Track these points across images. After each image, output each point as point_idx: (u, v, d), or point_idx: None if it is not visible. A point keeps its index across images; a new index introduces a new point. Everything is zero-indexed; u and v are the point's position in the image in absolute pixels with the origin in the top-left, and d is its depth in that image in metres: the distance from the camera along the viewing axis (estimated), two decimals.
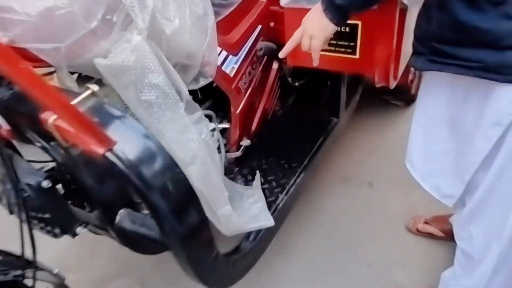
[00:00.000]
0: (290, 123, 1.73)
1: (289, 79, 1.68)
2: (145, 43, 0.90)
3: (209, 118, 1.41)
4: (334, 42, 1.21)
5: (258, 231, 1.20)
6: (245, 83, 1.44)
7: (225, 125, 1.38)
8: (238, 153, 1.46)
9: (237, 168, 1.47)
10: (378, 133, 2.30)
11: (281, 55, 1.11)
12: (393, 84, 1.21)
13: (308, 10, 1.01)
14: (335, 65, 1.25)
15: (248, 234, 1.20)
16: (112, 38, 0.93)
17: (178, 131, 0.97)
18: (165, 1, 1.00)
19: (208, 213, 1.06)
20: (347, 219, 1.81)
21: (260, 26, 1.47)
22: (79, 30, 0.85)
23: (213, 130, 1.37)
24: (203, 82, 1.28)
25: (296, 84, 1.73)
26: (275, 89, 1.69)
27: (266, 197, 1.32)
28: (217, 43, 1.26)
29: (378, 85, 1.22)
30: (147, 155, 0.76)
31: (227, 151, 1.50)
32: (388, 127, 2.33)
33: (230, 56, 1.36)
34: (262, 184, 1.38)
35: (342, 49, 1.20)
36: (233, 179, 1.42)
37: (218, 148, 1.45)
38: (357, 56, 1.19)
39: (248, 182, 1.41)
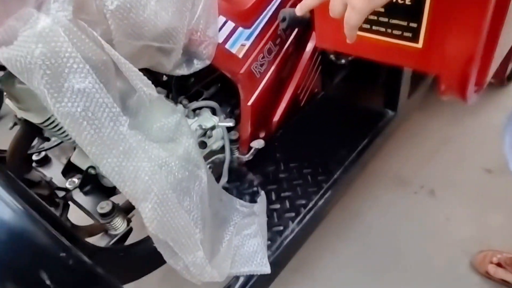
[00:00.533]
0: (329, 114, 1.34)
1: (332, 56, 1.25)
2: (59, 27, 0.58)
3: (212, 110, 1.09)
4: (385, 19, 0.77)
5: (250, 276, 0.90)
6: (261, 65, 1.06)
7: (228, 123, 1.04)
8: (248, 156, 1.13)
9: (246, 174, 1.14)
10: (451, 123, 1.78)
11: (297, 11, 0.69)
12: (472, 98, 0.75)
13: None
14: (382, 55, 0.82)
15: (237, 277, 0.91)
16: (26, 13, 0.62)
17: (120, 156, 0.67)
18: None
19: (169, 260, 0.78)
20: (394, 238, 1.42)
21: None
22: None
23: (213, 128, 1.05)
24: (198, 66, 0.94)
25: (343, 61, 1.30)
26: (312, 68, 1.28)
27: (272, 224, 1.00)
28: (217, 12, 0.90)
29: (444, 97, 0.77)
30: None
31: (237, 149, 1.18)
32: (467, 116, 1.79)
33: (240, 30, 0.99)
34: (271, 203, 1.05)
35: (397, 32, 0.76)
36: (238, 188, 1.11)
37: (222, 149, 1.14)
38: (419, 45, 0.74)
39: (256, 195, 1.09)
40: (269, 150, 1.19)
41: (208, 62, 0.94)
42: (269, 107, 1.19)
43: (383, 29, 0.78)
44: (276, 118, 1.23)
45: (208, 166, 1.12)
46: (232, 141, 1.16)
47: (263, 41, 1.04)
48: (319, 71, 1.34)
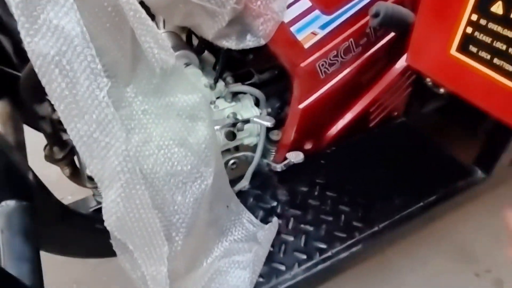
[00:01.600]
0: (401, 147, 1.07)
1: (429, 80, 0.97)
2: None
3: (256, 100, 0.90)
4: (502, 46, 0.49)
5: None
6: (331, 64, 0.83)
7: (266, 122, 0.84)
8: (278, 167, 0.93)
9: (270, 186, 0.95)
10: None
11: None
12: None
13: None
14: (494, 103, 0.54)
15: None
16: None
17: (92, 125, 0.52)
18: None
19: (125, 264, 0.63)
20: None
21: None
22: None
23: (246, 121, 0.86)
24: (250, 43, 0.76)
25: (441, 91, 1.00)
26: (399, 88, 1.01)
27: (273, 258, 0.80)
28: None
29: None
30: None
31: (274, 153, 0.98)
32: None
33: (315, 13, 0.77)
34: (284, 231, 0.85)
35: None
36: (256, 198, 0.92)
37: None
38: None
39: (272, 214, 0.89)
40: (310, 167, 0.98)
41: (263, 42, 0.75)
42: (326, 117, 0.96)
43: (508, 67, 0.51)
44: (332, 132, 1.00)
45: (232, 161, 0.95)
46: (271, 142, 0.97)
47: (342, 37, 0.81)
48: (406, 93, 1.07)
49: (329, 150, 1.03)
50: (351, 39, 0.82)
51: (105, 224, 0.57)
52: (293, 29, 0.76)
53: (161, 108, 0.66)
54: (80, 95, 0.50)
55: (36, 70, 0.49)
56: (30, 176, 0.67)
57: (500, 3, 0.49)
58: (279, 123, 0.95)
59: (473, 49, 0.54)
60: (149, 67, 0.60)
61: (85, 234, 0.77)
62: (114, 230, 0.58)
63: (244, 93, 0.90)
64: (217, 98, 0.89)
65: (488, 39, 0.52)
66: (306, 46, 0.78)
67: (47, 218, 0.70)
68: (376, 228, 0.86)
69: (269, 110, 0.93)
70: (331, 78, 0.86)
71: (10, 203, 0.63)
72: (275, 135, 0.96)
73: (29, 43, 0.47)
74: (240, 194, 0.93)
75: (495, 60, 0.52)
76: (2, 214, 0.62)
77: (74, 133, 0.53)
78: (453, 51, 0.57)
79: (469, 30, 0.54)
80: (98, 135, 0.53)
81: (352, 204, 0.91)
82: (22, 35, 0.47)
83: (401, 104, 1.11)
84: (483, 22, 0.52)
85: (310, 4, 0.75)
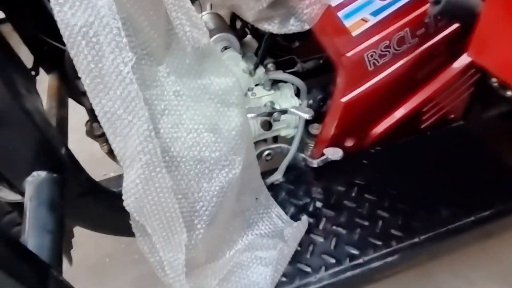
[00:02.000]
0: (455, 153, 0.96)
1: (493, 80, 0.86)
2: None
3: (297, 90, 0.85)
4: None
5: None
6: (381, 56, 0.76)
7: (304, 113, 0.78)
8: (315, 163, 0.87)
9: (305, 181, 0.90)
10: None
11: None
12: None
13: None
14: None
15: None
16: None
17: (117, 101, 0.50)
18: None
19: (143, 247, 0.62)
20: None
21: None
22: None
23: (284, 112, 0.81)
24: (292, 28, 0.71)
25: (509, 94, 0.89)
26: (459, 87, 0.91)
27: (299, 258, 0.76)
28: None
29: None
30: None
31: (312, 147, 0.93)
32: None
33: None
34: (314, 231, 0.80)
35: None
36: (288, 192, 0.88)
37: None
38: None
39: (302, 211, 0.84)
40: (349, 165, 0.91)
41: (306, 27, 0.69)
42: (371, 114, 0.89)
43: None
44: (377, 130, 0.93)
45: (266, 152, 0.91)
46: (309, 136, 0.92)
47: (396, 26, 0.73)
48: (467, 94, 0.96)
49: (372, 149, 0.96)
50: (407, 29, 0.74)
51: (124, 204, 0.56)
52: (340, 14, 0.70)
53: (193, 90, 0.64)
54: (106, 69, 0.49)
55: (65, 41, 0.48)
56: (63, 150, 0.67)
57: None
58: (320, 116, 0.89)
59: None
60: (182, 46, 0.58)
61: (112, 211, 0.78)
62: (133, 211, 0.56)
63: (285, 81, 0.85)
64: (256, 85, 0.85)
65: None
66: (354, 33, 0.72)
67: (76, 192, 0.70)
68: (416, 240, 0.78)
69: (310, 101, 0.88)
70: (380, 71, 0.78)
71: (41, 174, 0.64)
72: (315, 129, 0.90)
73: (58, 12, 0.46)
74: (272, 187, 0.89)
75: None
76: (32, 183, 0.63)
77: (99, 108, 0.52)
78: None
79: None
80: (122, 112, 0.51)
81: (392, 210, 0.83)
82: (52, 3, 0.46)
83: (460, 106, 1.00)
84: None
85: None
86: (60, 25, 0.47)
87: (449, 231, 0.81)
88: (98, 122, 0.93)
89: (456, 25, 0.79)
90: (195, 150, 0.64)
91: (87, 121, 0.98)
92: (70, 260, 0.83)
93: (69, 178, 0.68)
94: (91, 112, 0.92)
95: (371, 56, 0.75)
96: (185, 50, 0.57)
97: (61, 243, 0.59)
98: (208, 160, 0.66)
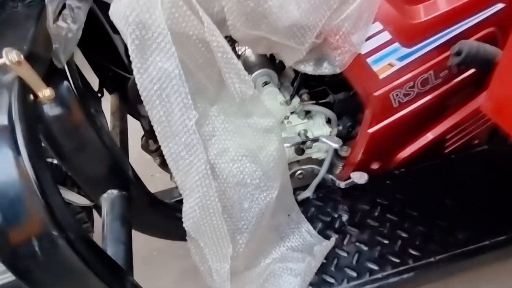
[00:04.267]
0: (477, 176, 1.03)
1: None
2: (158, 1, 0.53)
3: (328, 119, 0.95)
4: None
5: None
6: (406, 94, 0.84)
7: (334, 143, 0.88)
8: (342, 184, 0.97)
9: (331, 200, 1.00)
10: None
11: None
12: None
13: None
14: None
15: None
16: None
17: (181, 146, 0.63)
18: None
19: (195, 257, 0.75)
20: None
21: (495, 9, 0.76)
22: None
23: (315, 140, 0.92)
24: (326, 71, 0.81)
25: None
26: (481, 118, 0.98)
27: (325, 269, 0.87)
28: (372, 17, 0.73)
29: None
30: (4, 194, 0.47)
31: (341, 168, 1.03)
32: None
33: (395, 45, 0.78)
34: (339, 247, 0.91)
35: None
36: (317, 208, 0.99)
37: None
38: None
39: (329, 228, 0.95)
40: (375, 185, 1.00)
41: (338, 71, 0.79)
42: (396, 142, 0.97)
43: None
44: (401, 155, 1.01)
45: (299, 172, 1.02)
46: (338, 157, 1.02)
47: (420, 69, 0.81)
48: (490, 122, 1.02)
49: (397, 171, 1.04)
50: (431, 72, 0.82)
51: (184, 225, 0.69)
52: (369, 60, 0.79)
53: (239, 127, 0.75)
54: (174, 122, 0.61)
55: (142, 98, 0.61)
56: (130, 171, 0.82)
57: None
58: (350, 139, 0.99)
59: None
60: (231, 94, 0.69)
61: (167, 220, 0.92)
62: (190, 230, 0.69)
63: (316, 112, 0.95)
64: (292, 113, 0.96)
65: None
66: (381, 76, 0.81)
67: (140, 205, 0.85)
68: (432, 259, 0.87)
69: (340, 128, 0.98)
70: (405, 107, 0.87)
71: (114, 191, 0.79)
72: (344, 151, 1.00)
73: (139, 79, 0.59)
74: (303, 203, 1.00)
75: None
76: (107, 200, 0.78)
77: (166, 150, 0.65)
78: None
79: None
80: (185, 154, 0.64)
81: (411, 230, 0.93)
82: (134, 72, 0.59)
83: (485, 131, 1.06)
84: None
85: (390, 36, 0.77)
86: (140, 87, 0.60)
87: (464, 253, 0.89)
88: (153, 139, 1.08)
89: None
90: (239, 177, 0.76)
91: (143, 136, 1.12)
92: None
93: (135, 194, 0.83)
94: (148, 131, 1.06)
95: (396, 95, 0.84)
96: (234, 97, 0.68)
97: (131, 251, 0.73)
98: (249, 186, 0.78)
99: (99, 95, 1.09)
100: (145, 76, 0.58)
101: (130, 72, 0.91)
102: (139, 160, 1.10)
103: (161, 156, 1.09)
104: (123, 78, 1.01)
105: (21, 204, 0.47)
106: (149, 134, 1.06)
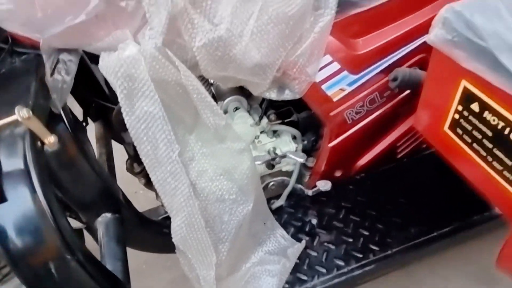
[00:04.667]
0: (425, 177, 1.18)
1: None
2: (141, 57, 0.64)
3: (293, 137, 1.08)
4: (490, 145, 0.62)
5: None
6: (357, 113, 0.99)
7: (299, 158, 1.02)
8: (309, 192, 1.10)
9: (302, 206, 1.13)
10: None
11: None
12: None
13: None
14: (479, 181, 0.67)
15: None
16: (129, 26, 0.70)
17: (166, 173, 0.74)
18: None
19: (184, 267, 0.86)
20: None
21: (424, 40, 0.91)
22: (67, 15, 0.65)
23: (283, 156, 1.05)
24: (287, 97, 0.94)
25: None
26: None
27: (298, 269, 1.00)
28: (323, 51, 0.86)
29: None
30: (25, 227, 0.58)
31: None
32: None
33: (344, 73, 0.92)
34: (310, 247, 1.03)
35: (499, 167, 0.61)
36: (289, 215, 1.12)
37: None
38: None
39: (301, 231, 1.08)
40: (339, 191, 1.14)
41: (298, 97, 0.92)
42: (354, 152, 1.12)
43: (484, 152, 0.64)
44: (360, 163, 1.15)
45: (271, 183, 1.14)
46: (306, 168, 1.15)
47: (367, 92, 0.95)
48: None
49: (358, 176, 1.19)
50: (376, 93, 0.96)
51: (173, 240, 0.80)
52: (324, 86, 0.92)
53: (214, 151, 0.87)
54: (159, 154, 0.72)
55: (131, 135, 0.72)
56: (121, 196, 0.92)
57: (477, 103, 0.61)
58: (314, 151, 1.12)
59: (459, 131, 0.67)
60: (206, 125, 0.81)
61: (157, 236, 1.02)
62: (179, 244, 0.80)
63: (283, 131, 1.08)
64: (261, 132, 1.08)
65: (469, 127, 0.64)
66: (335, 99, 0.94)
67: (131, 225, 0.95)
68: (389, 252, 1.01)
69: (305, 142, 1.11)
70: (358, 123, 1.01)
71: (108, 215, 0.89)
72: (310, 162, 1.13)
73: (127, 120, 0.70)
74: (277, 211, 1.13)
75: (474, 145, 0.65)
76: (102, 223, 0.88)
77: (154, 177, 0.76)
78: (446, 128, 0.70)
79: (456, 116, 0.66)
80: (170, 180, 0.75)
81: (371, 228, 1.06)
82: (124, 114, 0.70)
83: None
84: (465, 113, 0.64)
85: (339, 66, 0.91)
86: (129, 127, 0.70)
87: (416, 245, 1.03)
88: (137, 162, 1.17)
89: None
90: (218, 194, 0.88)
91: (127, 160, 1.22)
92: None
93: (126, 215, 0.93)
94: (132, 156, 1.16)
95: (349, 114, 0.97)
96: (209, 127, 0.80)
97: (128, 266, 0.84)
98: (227, 201, 0.89)
99: (84, 124, 1.18)
100: (133, 117, 0.69)
101: (112, 102, 1.01)
102: (122, 178, 1.20)
103: (146, 177, 1.19)
104: (106, 108, 1.11)
105: (39, 234, 0.57)
106: (134, 158, 1.16)
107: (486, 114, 0.60)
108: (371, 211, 1.11)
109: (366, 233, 1.06)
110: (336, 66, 0.91)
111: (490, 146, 0.62)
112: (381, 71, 0.94)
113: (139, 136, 0.71)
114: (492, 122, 0.59)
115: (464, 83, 0.62)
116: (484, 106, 0.60)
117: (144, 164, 0.75)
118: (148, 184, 1.21)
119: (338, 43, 0.89)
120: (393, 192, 1.15)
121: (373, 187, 1.17)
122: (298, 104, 1.10)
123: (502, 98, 0.56)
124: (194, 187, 0.84)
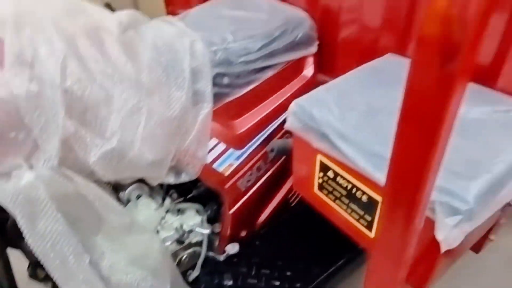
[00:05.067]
0: (316, 220, 1.37)
1: None
2: (40, 183, 0.69)
3: (197, 211, 1.17)
4: (346, 200, 0.81)
5: None
6: (248, 180, 1.13)
7: (204, 230, 1.11)
8: (221, 258, 1.20)
9: (217, 272, 1.21)
10: None
11: None
12: None
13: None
14: (345, 227, 0.86)
15: None
16: (21, 153, 0.73)
17: (80, 282, 0.76)
18: (100, 116, 0.75)
19: None
20: None
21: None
22: None
23: (190, 231, 1.13)
24: (185, 179, 1.02)
25: None
26: None
27: None
28: (209, 136, 0.98)
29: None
30: None
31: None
32: None
33: (230, 151, 1.06)
34: None
35: (356, 216, 0.80)
36: (208, 285, 1.18)
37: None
38: (372, 234, 0.78)
39: None
40: (248, 250, 1.25)
41: (194, 178, 1.02)
42: (253, 212, 1.25)
43: (344, 206, 0.83)
44: (261, 219, 1.29)
45: (184, 257, 1.20)
46: (214, 234, 1.24)
47: (252, 162, 1.11)
48: None
49: (261, 231, 1.32)
50: (260, 161, 1.13)
51: None
52: (215, 165, 1.05)
53: (122, 244, 0.91)
54: (70, 266, 0.75)
55: (37, 254, 0.74)
56: None
57: (332, 171, 0.80)
58: (220, 216, 1.23)
59: (325, 191, 0.85)
60: (112, 223, 0.86)
61: None
62: None
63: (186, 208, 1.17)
64: (167, 212, 1.15)
65: (330, 188, 0.83)
66: (226, 174, 1.07)
67: None
68: None
69: (209, 212, 1.21)
70: (250, 189, 1.15)
71: None
72: (217, 228, 1.23)
73: (31, 241, 0.72)
74: (194, 282, 1.19)
75: (337, 201, 0.83)
76: None
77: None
78: (316, 189, 0.88)
79: (320, 181, 0.84)
80: (85, 287, 0.77)
81: (282, 277, 1.19)
82: (25, 234, 0.71)
83: None
84: (326, 178, 0.82)
85: (225, 145, 1.05)
86: (33, 246, 0.72)
87: (320, 281, 1.19)
88: (40, 267, 1.13)
89: None
90: (134, 285, 0.92)
91: (29, 266, 1.16)
92: None
93: None
94: (34, 262, 1.11)
95: (241, 183, 1.11)
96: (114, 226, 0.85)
97: None
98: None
99: None
100: (37, 237, 0.72)
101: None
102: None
103: (52, 282, 1.14)
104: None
105: None
106: (36, 264, 1.12)
107: (339, 178, 0.78)
108: (278, 261, 1.24)
109: (277, 283, 1.18)
110: (222, 146, 1.04)
111: (347, 201, 0.80)
112: (261, 143, 1.10)
113: (46, 253, 0.73)
114: (344, 185, 0.78)
115: (319, 157, 0.80)
116: (336, 173, 0.78)
117: (54, 278, 0.76)
118: None
119: (220, 127, 1.03)
120: (293, 239, 1.30)
121: (276, 238, 1.30)
122: (196, 180, 1.21)
123: (345, 168, 0.75)
124: (109, 282, 0.87)
